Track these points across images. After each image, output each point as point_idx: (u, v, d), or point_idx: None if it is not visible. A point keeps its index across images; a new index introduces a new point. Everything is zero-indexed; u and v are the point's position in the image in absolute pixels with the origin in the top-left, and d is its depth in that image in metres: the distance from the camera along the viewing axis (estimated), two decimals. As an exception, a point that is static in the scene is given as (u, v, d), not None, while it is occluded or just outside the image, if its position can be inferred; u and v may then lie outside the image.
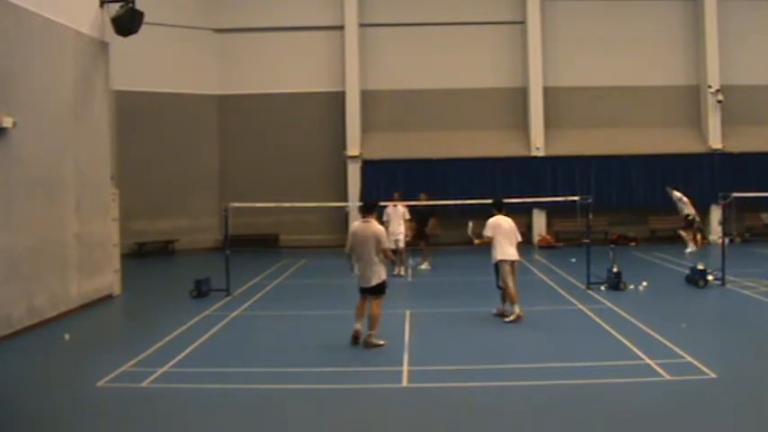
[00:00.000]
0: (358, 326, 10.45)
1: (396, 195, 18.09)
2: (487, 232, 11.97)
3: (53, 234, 13.03)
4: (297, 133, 24.58)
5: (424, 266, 18.51)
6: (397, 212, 17.43)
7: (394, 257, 10.55)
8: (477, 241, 12.34)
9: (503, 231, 11.90)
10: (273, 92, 24.52)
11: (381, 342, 10.34)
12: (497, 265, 12.00)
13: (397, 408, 7.95)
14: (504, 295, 12.05)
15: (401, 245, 17.22)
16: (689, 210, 20.97)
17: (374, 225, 10.45)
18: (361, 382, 8.85)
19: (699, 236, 21.12)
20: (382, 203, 16.18)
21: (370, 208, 10.77)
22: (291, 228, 24.14)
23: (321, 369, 9.34)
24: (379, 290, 10.42)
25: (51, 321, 12.47)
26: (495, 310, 12.27)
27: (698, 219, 21.20)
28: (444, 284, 16.52)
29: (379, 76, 24.63)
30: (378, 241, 10.30)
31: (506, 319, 11.76)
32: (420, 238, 18.42)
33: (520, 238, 12.14)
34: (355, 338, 10.41)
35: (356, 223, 10.78)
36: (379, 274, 10.37)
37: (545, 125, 24.36)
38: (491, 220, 12.03)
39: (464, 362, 9.60)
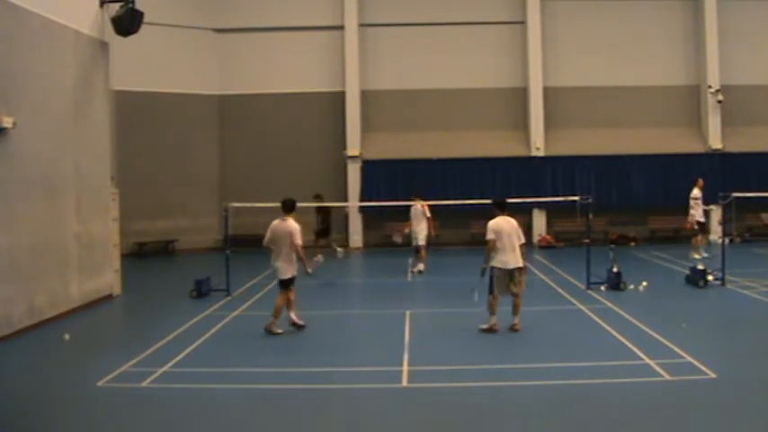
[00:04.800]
0: (293, 315, 11.43)
1: (413, 196, 18.19)
2: (490, 235, 11.01)
3: (53, 234, 13.03)
4: (297, 133, 24.59)
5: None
6: (417, 211, 17.71)
7: (304, 255, 11.24)
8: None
9: (504, 234, 10.96)
10: (273, 92, 24.54)
11: (280, 330, 11.19)
12: (491, 270, 11.05)
13: (397, 408, 7.95)
14: (492, 305, 11.01)
15: (420, 243, 17.64)
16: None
17: (290, 223, 11.25)
18: (361, 382, 8.85)
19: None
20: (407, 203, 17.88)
21: (288, 207, 11.47)
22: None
23: (321, 369, 9.35)
24: (289, 283, 11.27)
25: (51, 321, 12.47)
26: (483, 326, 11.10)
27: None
28: (444, 284, 16.52)
29: (379, 76, 24.64)
30: (291, 237, 11.09)
31: (481, 327, 11.03)
32: None
33: (523, 239, 11.17)
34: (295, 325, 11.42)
35: (276, 221, 11.43)
36: (293, 268, 11.26)
37: (545, 125, 24.37)
38: (492, 223, 11.13)
39: (464, 362, 9.60)
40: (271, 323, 11.25)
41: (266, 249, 11.61)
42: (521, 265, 11.03)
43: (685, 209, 24.00)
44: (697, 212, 19.25)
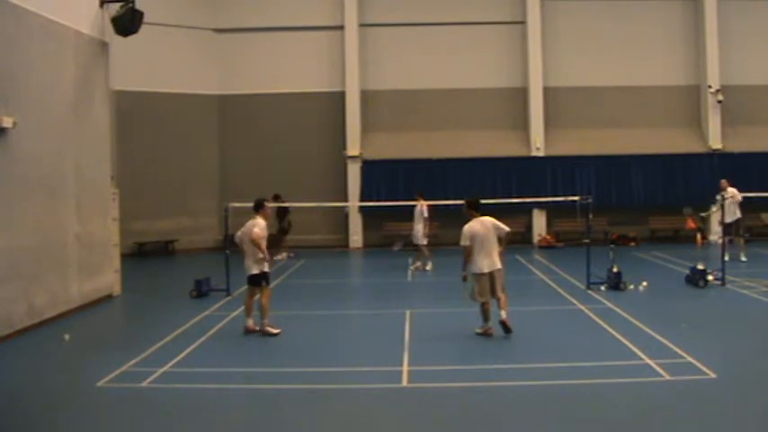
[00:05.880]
0: (250, 322, 11.40)
1: (417, 195, 18.57)
2: (465, 241, 10.63)
3: (53, 234, 13.03)
4: (297, 133, 24.60)
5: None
6: (416, 211, 18.10)
7: (264, 251, 11.37)
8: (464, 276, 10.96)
9: (479, 239, 10.59)
10: (273, 92, 24.55)
11: (276, 331, 11.14)
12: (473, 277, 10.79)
13: (397, 408, 7.95)
14: (484, 311, 10.82)
15: (419, 242, 18.02)
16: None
17: (255, 221, 11.46)
18: (361, 382, 8.84)
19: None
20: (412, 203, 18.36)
21: (256, 206, 11.76)
22: (291, 228, 24.15)
23: (321, 369, 9.35)
24: (258, 280, 11.37)
25: (51, 321, 12.48)
26: (478, 329, 10.96)
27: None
28: (444, 284, 16.50)
29: (379, 76, 24.65)
30: (251, 234, 11.25)
31: (476, 330, 10.91)
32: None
33: (506, 228, 10.74)
34: (248, 332, 11.35)
35: (249, 222, 11.63)
36: (259, 265, 11.32)
37: (545, 125, 24.38)
38: (466, 228, 10.68)
39: (464, 362, 9.61)
40: (263, 325, 11.20)
41: (240, 251, 11.67)
42: (498, 267, 10.72)
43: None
44: (718, 215, 18.79)
